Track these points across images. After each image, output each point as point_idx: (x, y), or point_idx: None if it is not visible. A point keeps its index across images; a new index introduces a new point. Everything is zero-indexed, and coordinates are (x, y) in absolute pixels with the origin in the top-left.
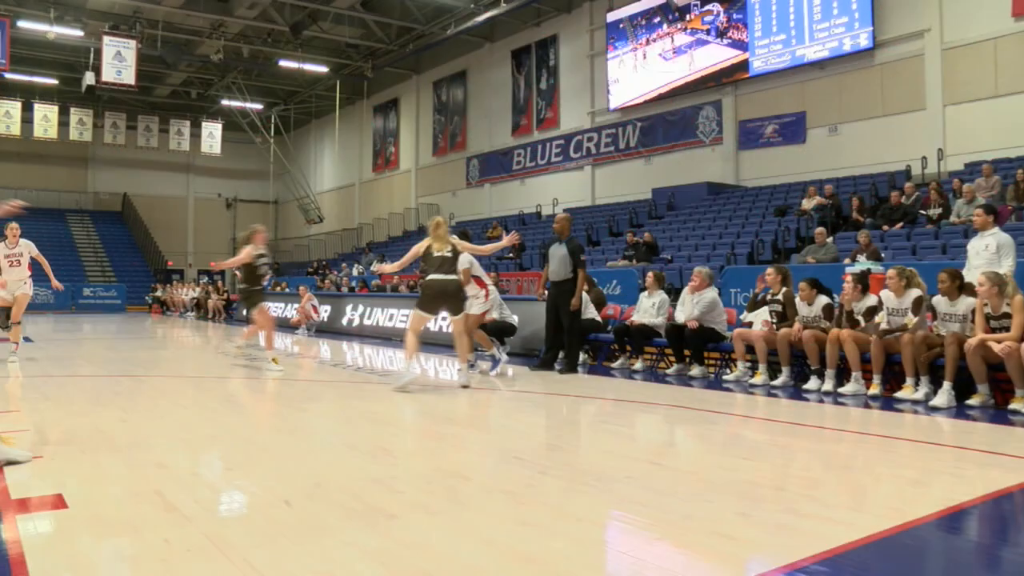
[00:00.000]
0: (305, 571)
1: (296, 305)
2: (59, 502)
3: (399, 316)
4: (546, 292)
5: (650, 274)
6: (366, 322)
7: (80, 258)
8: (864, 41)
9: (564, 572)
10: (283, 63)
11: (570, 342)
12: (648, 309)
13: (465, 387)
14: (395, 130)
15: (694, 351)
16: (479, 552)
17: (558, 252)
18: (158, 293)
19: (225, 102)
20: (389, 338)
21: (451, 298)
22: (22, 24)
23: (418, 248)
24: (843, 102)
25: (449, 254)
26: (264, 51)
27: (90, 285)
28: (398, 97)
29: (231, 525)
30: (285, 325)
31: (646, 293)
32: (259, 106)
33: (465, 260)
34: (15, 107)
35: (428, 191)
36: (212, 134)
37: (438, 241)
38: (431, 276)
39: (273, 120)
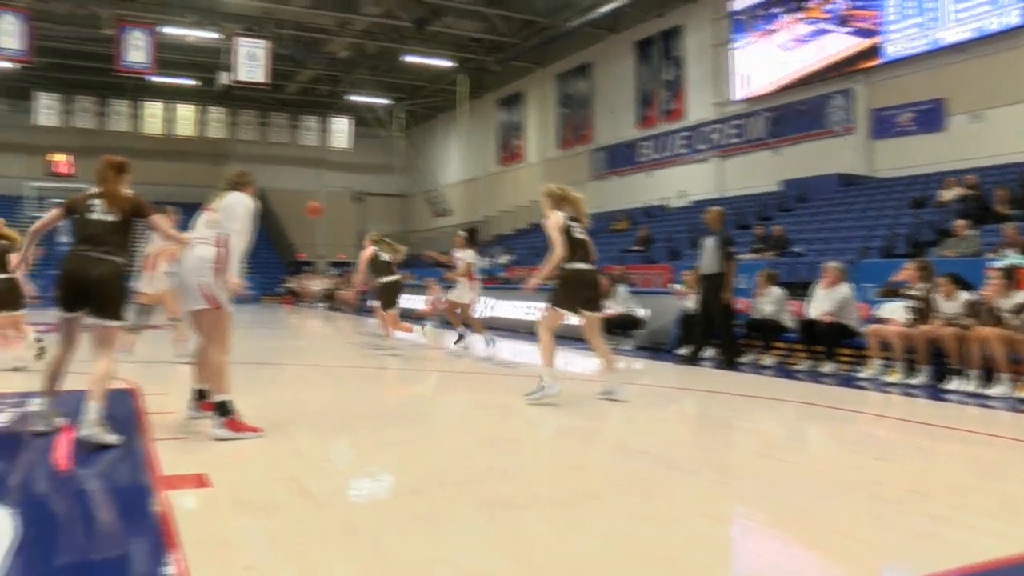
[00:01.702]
0: (433, 559)
1: (424, 297)
2: (204, 481)
3: (525, 308)
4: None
5: (759, 274)
6: (493, 314)
7: None
8: (1015, 18)
9: (688, 569)
10: (408, 59)
11: (725, 337)
12: (763, 306)
13: (612, 398)
14: (520, 123)
15: (827, 347)
16: (602, 546)
17: (709, 245)
18: (290, 284)
19: (353, 98)
20: (515, 330)
21: (596, 291)
22: (165, 30)
23: (558, 224)
24: (988, 86)
25: (587, 236)
26: (389, 47)
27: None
28: (522, 91)
29: (362, 511)
30: (414, 316)
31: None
32: (386, 101)
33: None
34: (158, 108)
35: (553, 183)
36: (341, 129)
37: (583, 219)
38: (576, 265)
39: (400, 115)
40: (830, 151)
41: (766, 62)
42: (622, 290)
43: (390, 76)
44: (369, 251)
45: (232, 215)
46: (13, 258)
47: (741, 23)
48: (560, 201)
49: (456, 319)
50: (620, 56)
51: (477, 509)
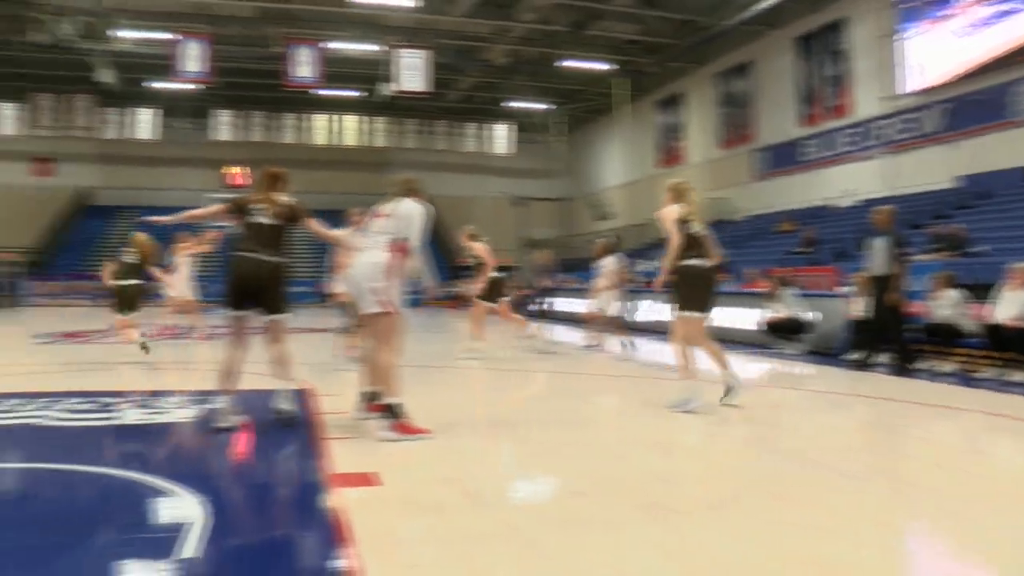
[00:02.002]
0: (595, 561)
1: (588, 301)
2: (375, 479)
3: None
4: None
5: (936, 276)
6: (658, 317)
7: None
8: None
9: None
10: (565, 63)
11: (897, 341)
12: (941, 310)
13: (730, 402)
14: (679, 125)
15: (1019, 353)
16: (768, 554)
17: (879, 245)
18: (454, 288)
19: (512, 103)
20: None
21: (714, 290)
22: (330, 45)
23: (673, 215)
24: None
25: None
26: (547, 52)
27: None
28: (681, 91)
29: (525, 512)
30: (577, 320)
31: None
32: (545, 106)
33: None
34: (324, 119)
35: (714, 185)
36: (501, 135)
37: (698, 216)
38: (693, 262)
39: (559, 119)
40: (1015, 143)
41: (940, 50)
42: (788, 293)
43: (548, 81)
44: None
45: (410, 222)
46: (156, 271)
47: (911, 11)
48: (680, 196)
49: (608, 327)
50: (780, 52)
51: (638, 512)
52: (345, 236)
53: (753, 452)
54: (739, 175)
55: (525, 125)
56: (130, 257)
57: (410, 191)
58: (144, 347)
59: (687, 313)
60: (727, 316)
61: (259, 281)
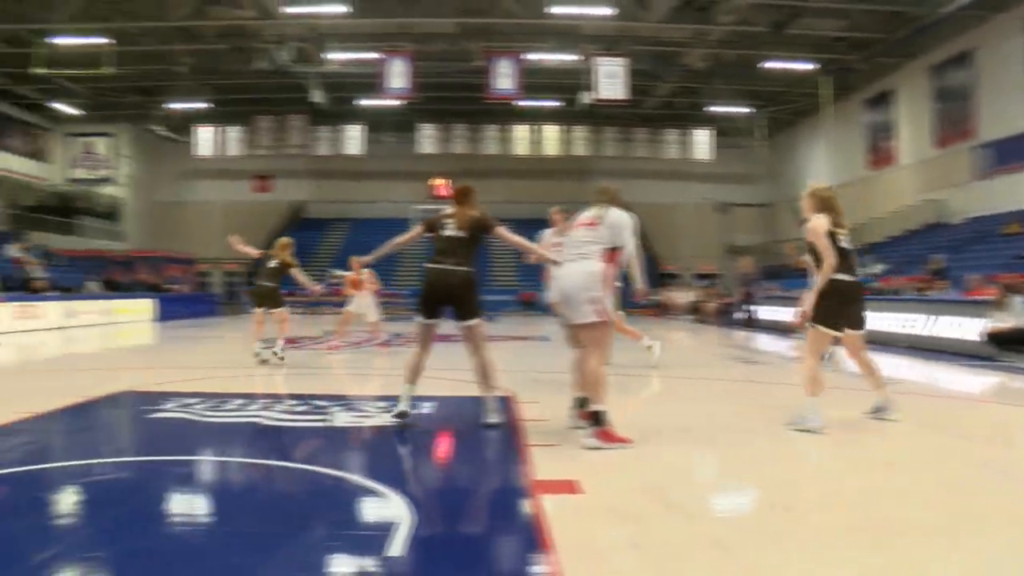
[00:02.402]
0: None
1: (793, 309)
2: (575, 487)
3: (902, 320)
4: None
5: None
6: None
7: None
8: None
9: None
10: (767, 64)
11: None
12: None
13: (883, 416)
14: (889, 123)
15: None
16: None
17: None
18: (656, 296)
19: (712, 108)
20: (891, 344)
21: (862, 306)
22: (529, 56)
23: (824, 229)
24: None
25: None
26: (747, 54)
27: None
28: (891, 88)
29: (731, 526)
30: (783, 329)
31: None
32: (746, 109)
33: None
34: (525, 130)
35: (928, 186)
36: (701, 140)
37: (844, 225)
38: (840, 276)
39: (761, 122)
40: None
41: None
42: (1018, 301)
43: (749, 83)
44: None
45: (621, 229)
46: (298, 275)
47: None
48: (825, 204)
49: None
50: (1008, 37)
51: (851, 532)
52: (531, 244)
53: (978, 473)
54: (957, 174)
55: (726, 129)
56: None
57: (613, 199)
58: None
59: (823, 329)
60: (943, 326)
61: (450, 290)
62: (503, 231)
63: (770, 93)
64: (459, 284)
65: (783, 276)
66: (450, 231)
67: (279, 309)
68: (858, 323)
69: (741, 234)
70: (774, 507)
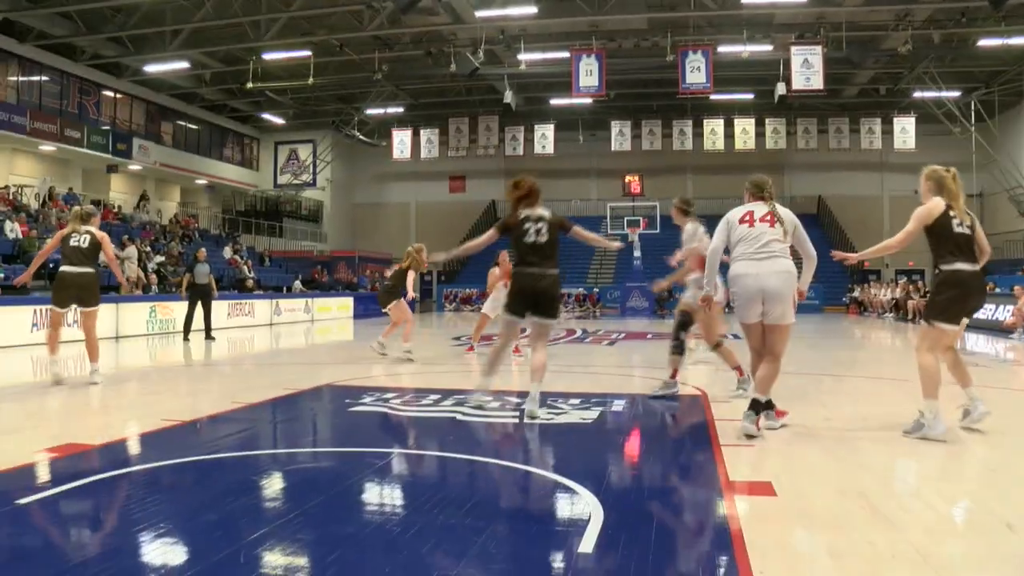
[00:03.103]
0: None
1: (1010, 307)
2: (769, 489)
3: None
4: None
5: None
6: None
7: None
8: None
9: None
10: (983, 42)
11: None
12: None
13: (970, 424)
14: None
15: None
16: None
17: None
18: (855, 293)
19: (917, 94)
20: None
21: (983, 299)
22: (721, 49)
23: (930, 214)
24: None
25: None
26: (959, 33)
27: None
28: None
29: (942, 540)
30: (996, 328)
31: None
32: (956, 93)
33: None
34: (719, 124)
35: None
36: (905, 129)
37: (961, 212)
38: (958, 266)
39: (973, 106)
40: None
41: None
42: None
43: (960, 65)
44: None
45: (795, 225)
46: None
47: None
48: (940, 186)
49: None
50: None
51: None
52: (603, 238)
53: None
54: None
55: (932, 116)
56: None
57: (769, 193)
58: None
59: (941, 324)
60: None
61: (544, 292)
62: (579, 229)
63: (986, 74)
64: (551, 286)
65: (1001, 271)
66: (534, 236)
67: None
68: (969, 316)
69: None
70: (997, 525)
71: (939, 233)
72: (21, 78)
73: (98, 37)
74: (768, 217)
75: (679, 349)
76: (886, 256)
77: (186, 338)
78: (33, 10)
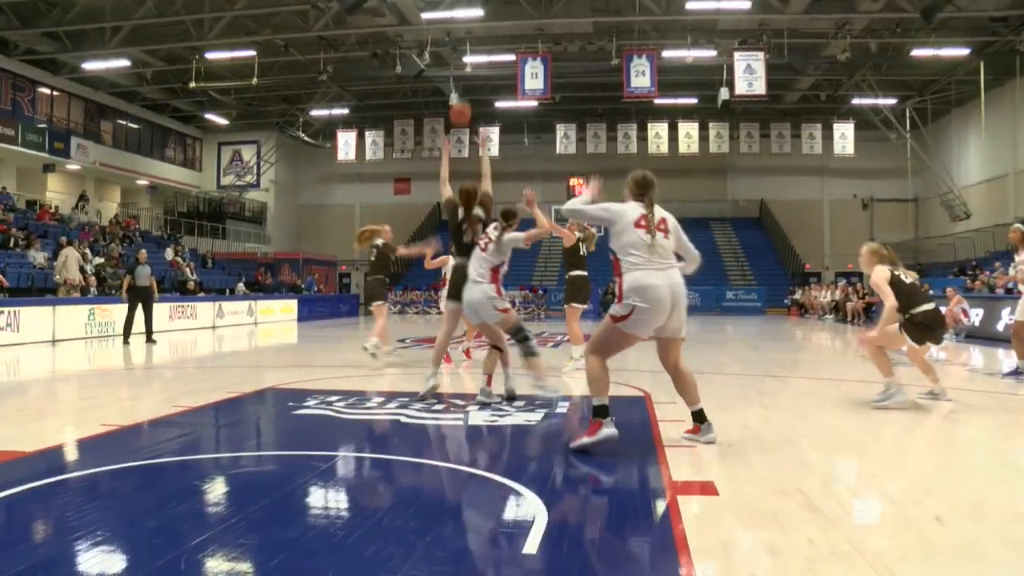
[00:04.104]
0: None
1: (943, 308)
2: (712, 489)
3: None
4: None
5: None
6: None
7: (723, 263)
8: None
9: None
10: (916, 52)
11: None
12: None
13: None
14: None
15: None
16: None
17: None
18: (796, 296)
19: (856, 101)
20: None
21: (943, 328)
22: (666, 54)
23: (885, 277)
24: None
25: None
26: (893, 43)
27: (732, 288)
28: None
29: (876, 533)
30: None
31: None
32: (892, 101)
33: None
34: (663, 128)
35: None
36: (844, 135)
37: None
38: (922, 307)
39: (908, 114)
40: None
41: None
42: None
43: (895, 73)
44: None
45: (680, 230)
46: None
47: None
48: (880, 257)
49: (1020, 343)
50: None
51: (1013, 547)
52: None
53: None
54: None
55: (869, 122)
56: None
57: (651, 198)
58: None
59: (915, 344)
60: None
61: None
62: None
63: (919, 82)
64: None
65: (932, 274)
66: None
67: (377, 303)
68: (937, 340)
69: (887, 232)
70: (927, 517)
71: (896, 289)
72: None
73: (32, 32)
74: (663, 226)
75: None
76: (826, 258)
77: (126, 341)
78: None
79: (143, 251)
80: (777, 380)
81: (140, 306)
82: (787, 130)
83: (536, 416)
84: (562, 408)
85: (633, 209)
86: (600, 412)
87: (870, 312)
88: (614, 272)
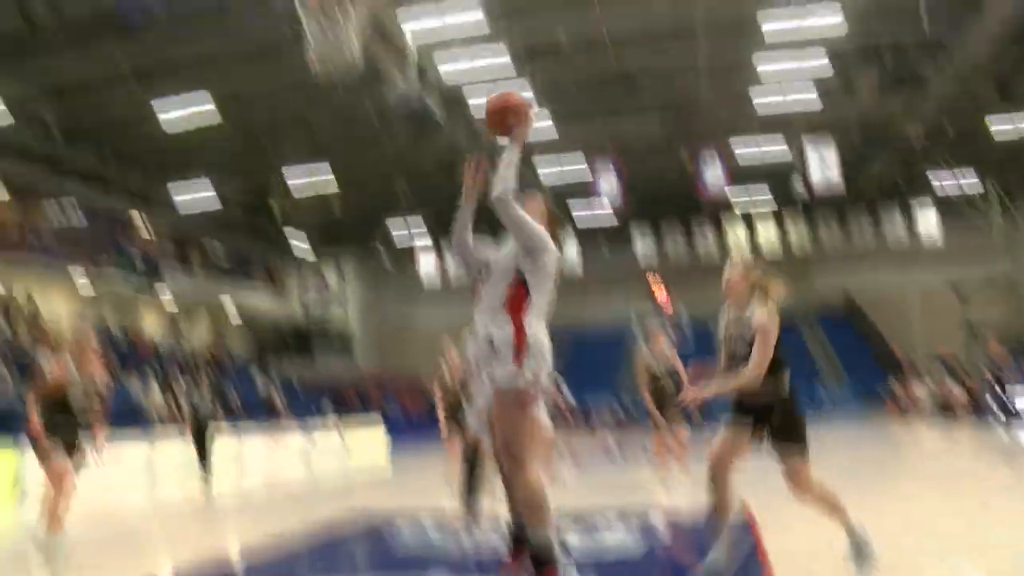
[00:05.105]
0: None
1: None
2: None
3: None
4: None
5: None
6: None
7: (813, 361)
8: None
9: None
10: (996, 128)
11: None
12: None
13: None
14: None
15: None
16: None
17: None
18: (893, 390)
19: (936, 183)
20: None
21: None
22: (737, 150)
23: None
24: None
25: None
26: (970, 121)
27: (825, 387)
28: None
29: None
30: None
31: None
32: (974, 180)
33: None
34: (740, 225)
35: None
36: (928, 218)
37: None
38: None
39: (992, 192)
40: None
41: None
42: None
43: (976, 152)
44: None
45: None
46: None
47: None
48: (766, 291)
49: None
50: None
51: None
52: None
53: None
54: None
55: (954, 203)
56: None
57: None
58: None
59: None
60: None
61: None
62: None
63: (1001, 158)
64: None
65: None
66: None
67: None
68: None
69: (982, 315)
70: None
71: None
72: (58, 210)
73: (129, 169)
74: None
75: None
76: (919, 348)
77: (205, 469)
78: (69, 146)
79: (225, 379)
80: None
81: (204, 435)
82: (867, 218)
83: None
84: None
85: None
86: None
87: (976, 402)
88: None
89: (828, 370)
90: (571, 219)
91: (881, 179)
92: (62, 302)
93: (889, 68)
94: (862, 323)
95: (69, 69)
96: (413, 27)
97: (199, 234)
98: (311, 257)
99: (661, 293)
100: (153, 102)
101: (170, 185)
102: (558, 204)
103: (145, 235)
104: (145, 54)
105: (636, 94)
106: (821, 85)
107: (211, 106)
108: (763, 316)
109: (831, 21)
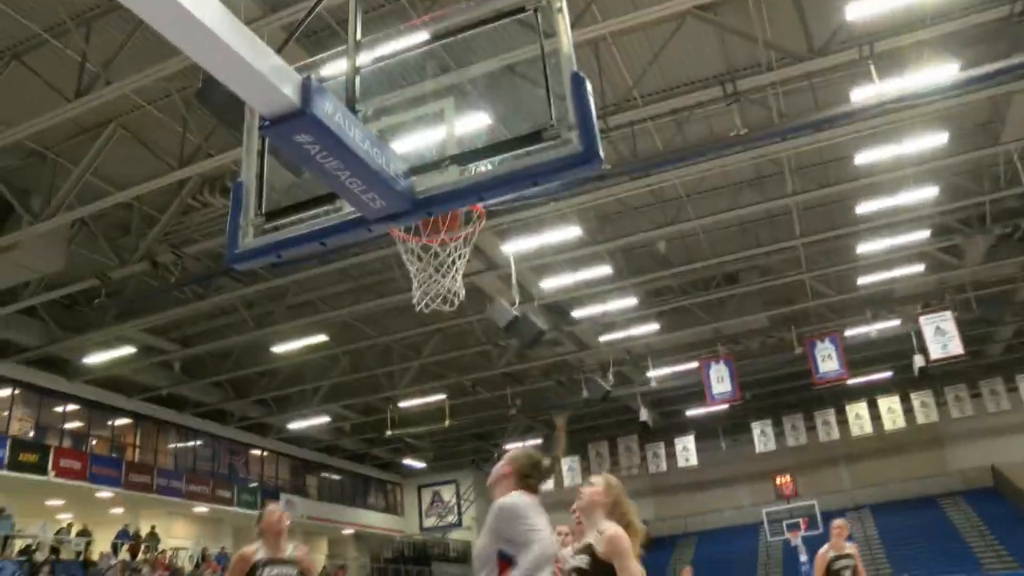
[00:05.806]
0: None
1: None
2: None
3: None
4: None
5: None
6: None
7: (968, 545)
8: None
9: None
10: None
11: None
12: None
13: None
14: None
15: None
16: None
17: None
18: None
19: None
20: None
21: None
22: (848, 332)
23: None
24: None
25: None
26: None
27: (988, 573)
28: None
29: None
30: None
31: None
32: None
33: None
34: (862, 408)
35: None
36: None
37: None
38: None
39: None
40: None
41: None
42: None
43: None
44: None
45: None
46: None
47: None
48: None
49: None
50: None
51: None
52: None
53: None
54: None
55: None
56: None
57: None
58: None
59: None
60: None
61: None
62: None
63: None
64: None
65: None
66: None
67: None
68: None
69: None
70: None
71: None
72: (178, 444)
73: (246, 401)
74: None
75: None
76: None
77: None
78: (190, 383)
79: None
80: None
81: None
82: (1000, 385)
83: None
84: None
85: (540, 513)
86: None
87: None
88: None
89: (985, 550)
90: (686, 420)
91: (1010, 342)
92: (181, 529)
93: (994, 226)
94: (1017, 498)
95: (188, 310)
96: (513, 249)
97: (316, 461)
98: (428, 477)
99: (788, 487)
100: (268, 335)
101: (290, 415)
102: (672, 404)
103: (262, 464)
104: (259, 294)
105: (738, 288)
106: (927, 257)
107: (324, 336)
108: None
109: (926, 196)
